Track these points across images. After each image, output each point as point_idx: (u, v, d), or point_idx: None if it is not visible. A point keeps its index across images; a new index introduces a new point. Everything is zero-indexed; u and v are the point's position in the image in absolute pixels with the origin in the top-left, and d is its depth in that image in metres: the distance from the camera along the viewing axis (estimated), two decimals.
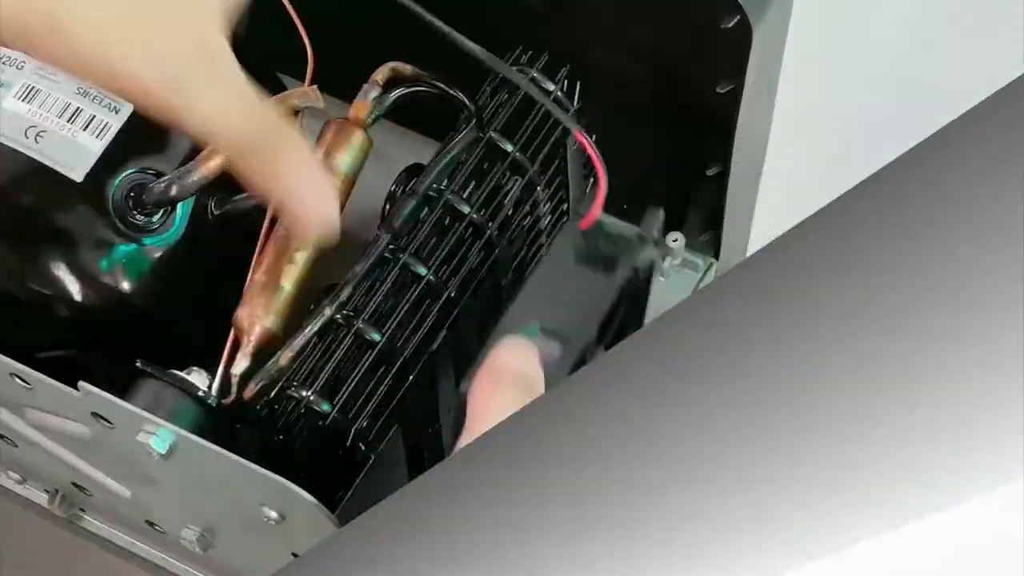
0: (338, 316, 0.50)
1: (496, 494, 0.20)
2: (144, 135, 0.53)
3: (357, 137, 0.53)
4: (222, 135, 0.45)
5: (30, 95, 0.53)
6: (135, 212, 0.54)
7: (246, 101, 0.44)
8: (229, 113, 0.44)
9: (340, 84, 0.55)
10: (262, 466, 0.47)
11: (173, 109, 0.43)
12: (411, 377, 0.51)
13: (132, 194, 0.54)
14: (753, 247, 0.75)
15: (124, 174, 0.54)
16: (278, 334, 0.51)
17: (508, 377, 0.37)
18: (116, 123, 0.53)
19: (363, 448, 0.51)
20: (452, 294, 0.52)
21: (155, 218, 0.54)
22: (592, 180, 0.52)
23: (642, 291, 0.56)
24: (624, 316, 0.56)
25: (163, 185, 0.53)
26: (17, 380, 0.51)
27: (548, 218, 0.58)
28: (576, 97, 0.54)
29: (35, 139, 0.53)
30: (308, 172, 0.47)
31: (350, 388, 0.50)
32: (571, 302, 0.52)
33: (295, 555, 0.52)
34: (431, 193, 0.52)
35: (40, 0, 0.42)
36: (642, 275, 0.55)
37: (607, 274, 0.52)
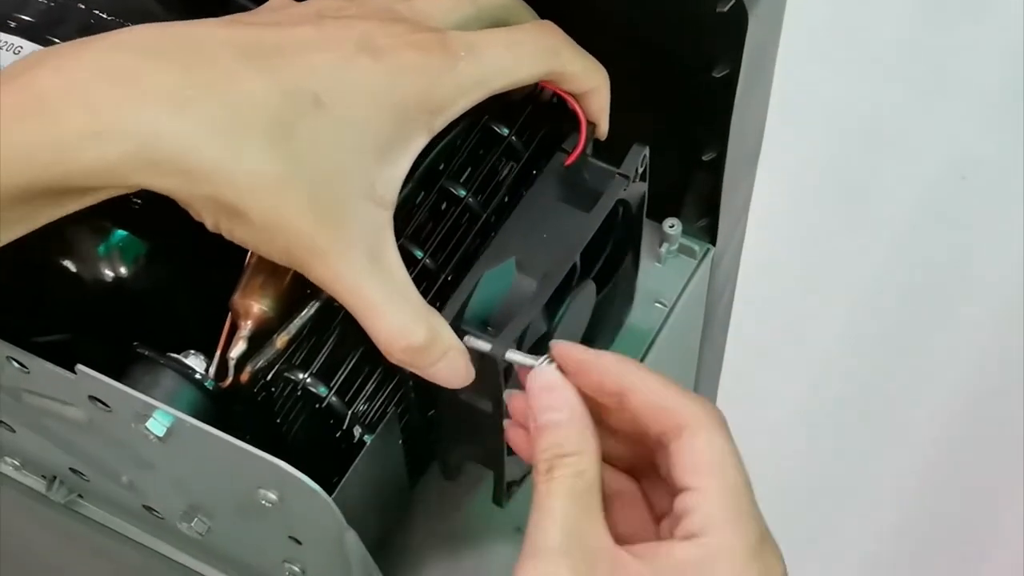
0: (334, 299, 0.50)
1: None
2: None
3: None
4: (371, 333, 0.47)
5: None
6: (132, 196, 0.54)
7: (411, 306, 0.47)
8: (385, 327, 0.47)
9: None
10: (259, 449, 0.47)
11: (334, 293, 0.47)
12: None
13: None
14: (750, 232, 0.75)
15: None
16: (275, 318, 0.51)
17: None
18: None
19: (360, 431, 0.51)
20: (449, 277, 0.52)
21: (152, 202, 0.54)
22: (574, 121, 0.53)
23: (634, 223, 0.57)
24: (615, 248, 0.56)
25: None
26: (14, 364, 0.51)
27: None
28: None
29: None
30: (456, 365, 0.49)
31: (346, 371, 0.50)
32: (550, 238, 0.52)
33: (292, 538, 0.53)
34: (428, 177, 0.52)
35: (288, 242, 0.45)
36: (634, 207, 0.55)
37: (589, 210, 0.52)
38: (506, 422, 0.50)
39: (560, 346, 0.47)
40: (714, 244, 0.67)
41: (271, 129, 0.44)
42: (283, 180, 0.44)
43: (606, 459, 0.48)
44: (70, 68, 0.43)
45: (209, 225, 0.46)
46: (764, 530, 0.46)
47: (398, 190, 0.47)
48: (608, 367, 0.47)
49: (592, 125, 0.53)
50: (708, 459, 0.45)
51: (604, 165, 0.54)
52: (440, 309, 0.49)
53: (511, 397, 0.50)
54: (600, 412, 0.48)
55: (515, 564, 0.44)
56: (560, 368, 0.47)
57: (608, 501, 0.46)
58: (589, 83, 0.52)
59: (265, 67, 0.44)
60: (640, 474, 0.50)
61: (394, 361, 0.48)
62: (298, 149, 0.44)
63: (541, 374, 0.47)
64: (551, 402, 0.47)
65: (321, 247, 0.45)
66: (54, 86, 0.43)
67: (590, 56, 0.52)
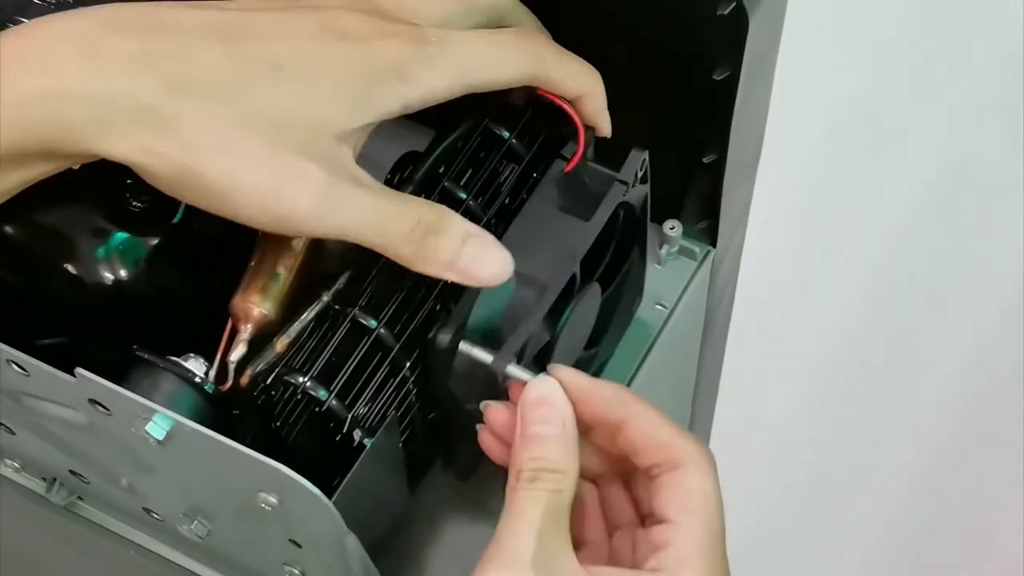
0: (335, 303, 0.50)
1: None
2: None
3: None
4: (376, 244, 0.47)
5: None
6: (132, 199, 0.54)
7: (392, 208, 0.47)
8: (379, 224, 0.46)
9: None
10: (259, 452, 0.47)
11: (318, 232, 0.46)
12: (408, 363, 0.51)
13: (129, 181, 0.54)
14: (750, 234, 0.75)
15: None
16: (275, 321, 0.51)
17: None
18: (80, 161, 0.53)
19: (360, 434, 0.51)
20: (450, 282, 0.52)
21: (152, 205, 0.54)
22: (572, 127, 0.52)
23: (639, 223, 0.56)
24: (618, 249, 0.56)
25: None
26: (14, 367, 0.51)
27: None
28: None
29: None
30: (484, 247, 0.48)
31: (347, 374, 0.50)
32: (549, 248, 0.52)
33: (292, 541, 0.53)
34: (428, 180, 0.52)
35: (174, 156, 0.44)
36: (637, 209, 0.55)
37: (588, 218, 0.52)
38: (479, 426, 0.50)
39: (562, 372, 0.48)
40: (714, 246, 0.67)
41: (224, 89, 0.44)
42: (243, 140, 0.44)
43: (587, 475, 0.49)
44: (30, 35, 0.44)
45: (165, 188, 0.46)
46: None
47: (362, 141, 0.47)
48: (609, 397, 0.48)
49: (591, 129, 0.53)
50: (696, 499, 0.46)
51: (604, 170, 0.54)
52: (442, 319, 0.49)
53: (488, 408, 0.50)
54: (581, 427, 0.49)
55: (480, 556, 0.45)
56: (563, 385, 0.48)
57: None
58: (578, 88, 0.52)
59: (224, 39, 0.45)
60: (602, 482, 0.50)
61: (418, 265, 0.47)
62: (254, 108, 0.44)
63: (540, 384, 0.47)
64: (545, 415, 0.47)
65: (307, 190, 0.45)
66: (14, 49, 0.43)
67: (578, 60, 0.52)
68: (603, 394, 0.48)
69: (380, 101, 0.47)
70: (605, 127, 0.53)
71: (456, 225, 0.48)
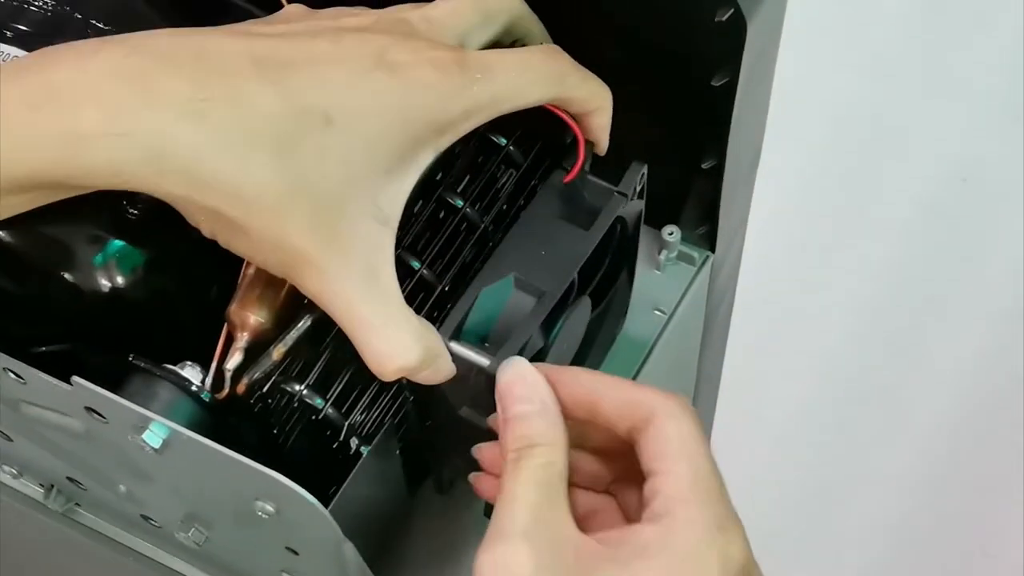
0: None
1: None
2: None
3: None
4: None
5: None
6: (129, 207, 0.54)
7: (406, 326, 0.47)
8: (368, 339, 0.46)
9: None
10: (256, 460, 0.47)
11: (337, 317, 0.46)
12: None
13: None
14: (749, 239, 0.75)
15: None
16: (271, 329, 0.51)
17: None
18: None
19: (356, 442, 0.51)
20: (446, 288, 0.52)
21: (149, 213, 0.54)
22: (572, 138, 0.52)
23: (631, 241, 0.56)
24: (611, 265, 0.56)
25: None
26: (10, 375, 0.51)
27: None
28: None
29: None
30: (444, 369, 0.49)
31: (343, 382, 0.50)
32: (549, 255, 0.52)
33: (290, 549, 0.53)
34: (425, 187, 0.52)
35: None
36: (630, 225, 0.55)
37: (587, 227, 0.52)
38: (473, 476, 0.51)
39: (529, 363, 0.48)
40: (713, 251, 0.67)
41: (278, 145, 0.44)
42: (285, 196, 0.44)
43: (587, 481, 0.49)
44: (87, 66, 0.43)
45: (206, 233, 0.46)
46: (730, 514, 0.46)
47: (402, 208, 0.47)
48: (577, 376, 0.48)
49: (591, 144, 0.53)
50: (675, 444, 0.46)
51: (603, 183, 0.54)
52: (438, 322, 0.49)
53: (479, 449, 0.50)
54: (580, 435, 0.49)
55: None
56: None
57: (588, 517, 0.47)
58: (592, 103, 0.52)
59: (277, 81, 0.44)
60: (618, 491, 0.50)
61: (383, 379, 0.48)
62: (303, 166, 0.44)
63: (512, 364, 0.48)
64: (522, 393, 0.47)
65: (318, 265, 0.45)
66: (70, 81, 0.42)
67: (594, 78, 0.52)
68: (572, 374, 0.48)
69: (418, 162, 0.47)
70: (604, 144, 0.54)
71: (430, 358, 0.48)
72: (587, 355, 0.59)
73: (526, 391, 0.47)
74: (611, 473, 0.50)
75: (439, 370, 0.49)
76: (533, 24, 0.53)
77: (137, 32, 0.45)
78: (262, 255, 0.46)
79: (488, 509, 0.56)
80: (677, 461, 0.46)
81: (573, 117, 0.52)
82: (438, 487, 0.59)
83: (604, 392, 0.47)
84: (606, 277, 0.56)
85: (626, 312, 0.62)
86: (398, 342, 0.47)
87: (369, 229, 0.46)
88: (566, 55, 0.52)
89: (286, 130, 0.44)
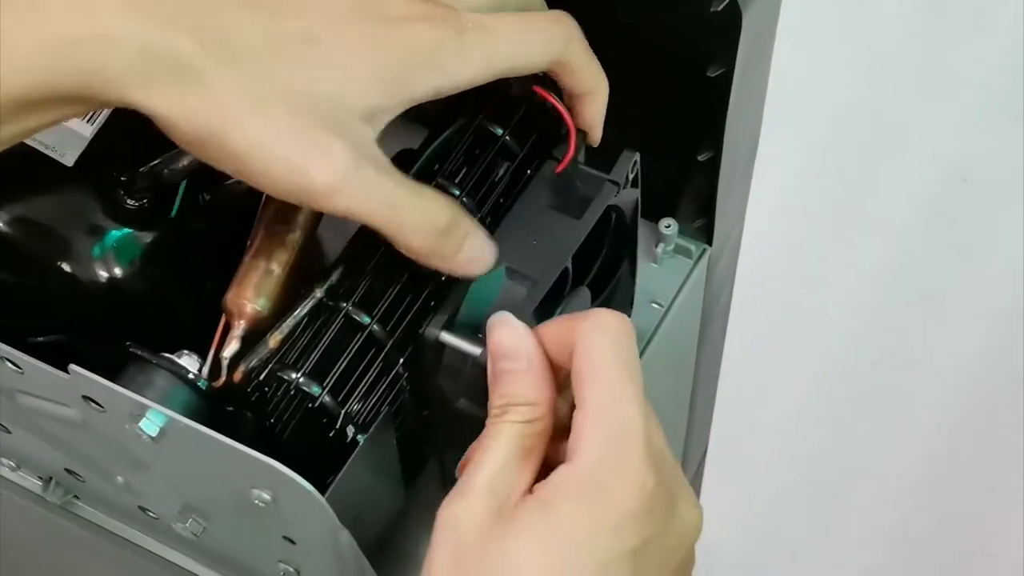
0: (328, 299, 0.50)
1: None
2: (135, 120, 0.53)
3: None
4: (386, 231, 0.47)
5: None
6: (126, 197, 0.54)
7: (409, 199, 0.47)
8: (394, 212, 0.46)
9: None
10: (253, 448, 0.47)
11: (331, 208, 0.46)
12: (401, 360, 0.51)
13: (124, 179, 0.54)
14: (747, 232, 0.75)
15: (115, 159, 0.54)
16: (268, 317, 0.51)
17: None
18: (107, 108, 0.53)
19: (353, 430, 0.51)
20: (443, 277, 0.52)
21: (146, 203, 0.54)
22: (566, 130, 0.52)
23: (629, 230, 0.57)
24: (609, 255, 0.56)
25: (153, 168, 0.53)
26: (8, 364, 0.51)
27: None
28: None
29: None
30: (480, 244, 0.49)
31: (339, 371, 0.50)
32: (540, 244, 0.52)
33: (287, 538, 0.53)
34: (422, 177, 0.52)
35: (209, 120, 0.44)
36: (627, 215, 0.56)
37: (579, 216, 0.52)
38: None
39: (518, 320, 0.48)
40: (710, 244, 0.67)
41: (259, 56, 0.44)
42: (279, 107, 0.44)
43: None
44: None
45: (193, 150, 0.46)
46: (656, 449, 0.45)
47: (384, 124, 0.47)
48: (562, 323, 0.48)
49: (583, 133, 0.53)
50: (585, 366, 0.46)
51: (594, 172, 0.54)
52: (432, 314, 0.49)
53: None
54: None
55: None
56: None
57: None
58: (590, 83, 0.52)
59: (260, 7, 0.45)
60: None
61: (420, 256, 0.48)
62: (285, 78, 0.44)
63: (501, 319, 0.48)
64: (508, 350, 0.47)
65: (328, 164, 0.45)
66: None
67: (596, 61, 0.52)
68: (551, 326, 0.48)
69: (411, 86, 0.47)
70: (597, 134, 0.54)
71: (463, 224, 0.49)
72: None
73: (512, 348, 0.47)
74: None
75: (475, 248, 0.49)
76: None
77: None
78: (258, 171, 0.45)
79: None
80: (589, 387, 0.45)
81: (567, 104, 0.52)
82: (443, 482, 0.59)
83: (580, 342, 0.46)
84: (605, 267, 0.56)
85: (632, 304, 0.62)
86: (426, 205, 0.47)
87: (357, 127, 0.46)
88: (573, 22, 0.51)
89: (265, 44, 0.44)
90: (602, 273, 0.56)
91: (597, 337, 0.46)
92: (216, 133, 0.44)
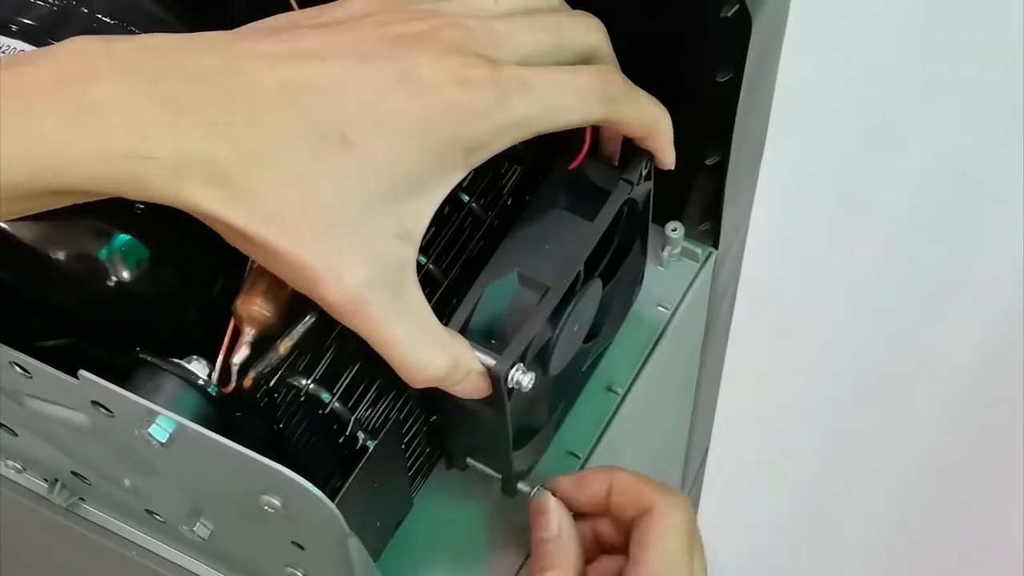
0: None
1: None
2: None
3: None
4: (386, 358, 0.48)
5: None
6: (135, 201, 0.54)
7: (431, 339, 0.48)
8: (398, 350, 0.47)
9: None
10: (262, 455, 0.47)
11: (354, 326, 0.47)
12: None
13: None
14: (752, 236, 0.75)
15: None
16: (278, 323, 0.51)
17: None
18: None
19: (363, 436, 0.51)
20: (452, 283, 0.52)
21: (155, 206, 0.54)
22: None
23: (639, 219, 0.57)
24: (620, 244, 0.56)
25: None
26: (17, 368, 0.51)
27: None
28: None
29: None
30: (477, 383, 0.51)
31: (349, 377, 0.50)
32: (553, 249, 0.52)
33: (295, 543, 0.53)
34: None
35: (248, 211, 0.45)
36: (640, 205, 0.56)
37: (591, 217, 0.52)
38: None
39: (553, 481, 0.56)
40: (716, 247, 0.67)
41: (295, 167, 0.45)
42: (300, 216, 0.44)
43: (606, 545, 0.57)
44: (124, 85, 0.44)
45: (230, 242, 0.47)
46: None
47: (426, 224, 0.47)
48: (595, 478, 0.56)
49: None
50: (654, 533, 0.53)
51: (608, 168, 0.54)
52: (444, 318, 0.49)
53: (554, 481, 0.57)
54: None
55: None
56: (554, 492, 0.56)
57: None
58: (644, 130, 0.52)
59: (297, 106, 0.45)
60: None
61: (414, 387, 0.49)
62: (320, 187, 0.45)
63: (537, 497, 0.56)
64: (542, 523, 0.55)
65: (337, 286, 0.45)
66: (107, 102, 0.44)
67: (648, 97, 0.52)
68: (590, 478, 0.56)
69: (450, 178, 0.47)
70: (670, 158, 0.54)
71: (463, 365, 0.49)
72: (602, 326, 0.59)
73: (545, 520, 0.55)
74: (624, 539, 0.56)
75: (472, 383, 0.50)
76: (608, 59, 0.52)
77: (174, 42, 0.46)
78: (281, 272, 0.46)
79: (505, 485, 0.57)
80: (650, 550, 0.53)
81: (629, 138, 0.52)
82: (449, 463, 0.59)
83: (616, 486, 0.55)
84: (616, 255, 0.56)
85: (642, 279, 0.62)
86: (424, 355, 0.47)
87: (390, 247, 0.46)
88: (620, 75, 0.51)
89: (304, 153, 0.45)
90: (612, 261, 0.56)
91: (674, 514, 0.54)
92: (244, 235, 0.45)
